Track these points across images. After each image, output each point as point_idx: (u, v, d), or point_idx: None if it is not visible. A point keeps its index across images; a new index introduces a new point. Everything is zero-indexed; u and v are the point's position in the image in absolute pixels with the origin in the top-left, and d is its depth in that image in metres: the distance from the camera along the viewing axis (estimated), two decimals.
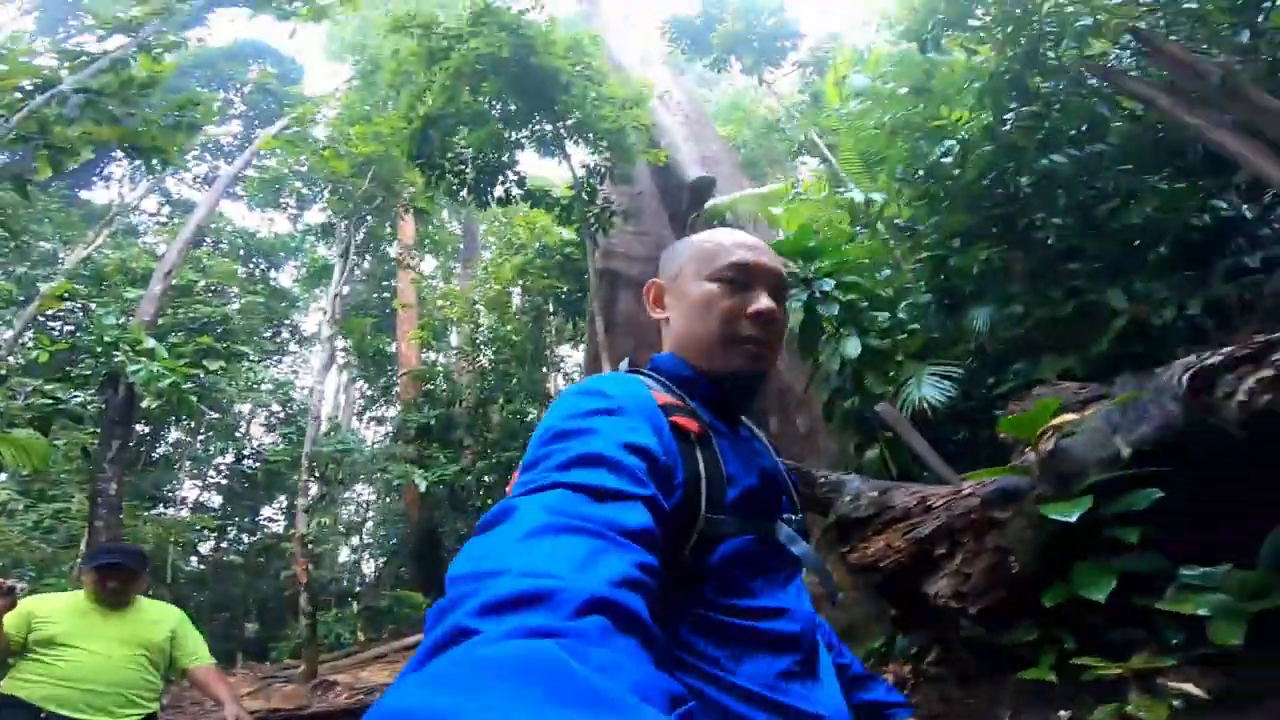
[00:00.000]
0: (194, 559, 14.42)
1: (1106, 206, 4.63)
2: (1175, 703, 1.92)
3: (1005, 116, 5.14)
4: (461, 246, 20.75)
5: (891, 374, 4.74)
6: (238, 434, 17.24)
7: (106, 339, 7.78)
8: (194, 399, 9.21)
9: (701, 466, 0.83)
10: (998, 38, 5.31)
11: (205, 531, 14.06)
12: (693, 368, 0.99)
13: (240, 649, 11.78)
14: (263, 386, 15.83)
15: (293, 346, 20.02)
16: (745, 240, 1.04)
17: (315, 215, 15.85)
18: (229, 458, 16.60)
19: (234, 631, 13.30)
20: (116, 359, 7.64)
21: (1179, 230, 4.20)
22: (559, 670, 0.39)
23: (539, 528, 0.56)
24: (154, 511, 12.90)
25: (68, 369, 8.17)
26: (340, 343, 17.51)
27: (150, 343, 8.22)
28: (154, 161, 5.00)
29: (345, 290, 18.06)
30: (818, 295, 4.90)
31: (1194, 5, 4.76)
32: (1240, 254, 3.97)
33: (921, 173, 5.49)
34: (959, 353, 4.88)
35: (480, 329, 15.30)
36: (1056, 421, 2.57)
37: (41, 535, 9.30)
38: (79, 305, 9.92)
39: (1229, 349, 2.21)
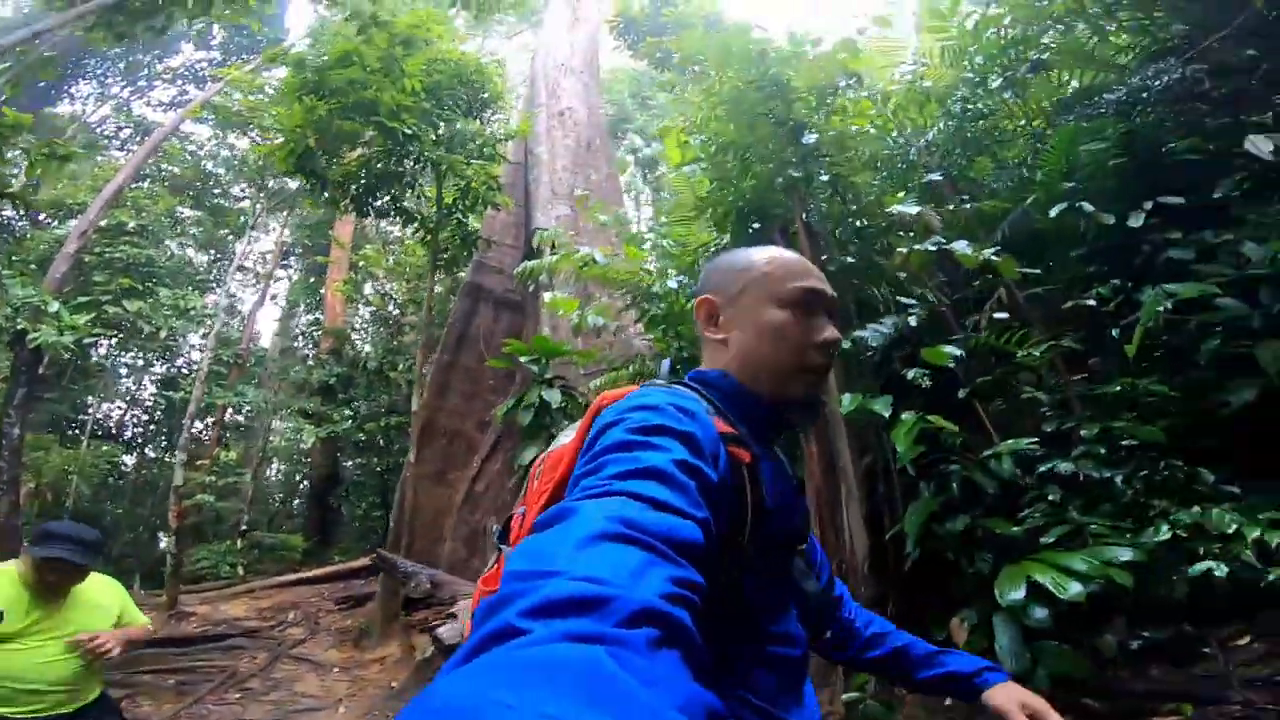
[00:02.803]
0: (110, 477, 16.23)
1: None
2: None
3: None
4: None
5: None
6: (168, 352, 18.81)
7: (13, 305, 9.32)
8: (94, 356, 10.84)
9: (749, 498, 0.91)
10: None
11: (110, 463, 15.67)
12: (751, 392, 1.05)
13: (141, 569, 13.69)
14: (196, 313, 17.21)
15: (236, 273, 21.37)
16: (809, 266, 1.12)
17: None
18: (159, 370, 18.31)
19: (144, 550, 15.27)
20: (20, 325, 9.20)
21: None
22: (602, 675, 0.41)
23: (596, 534, 0.59)
24: (70, 432, 14.67)
25: None
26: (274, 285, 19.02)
27: (54, 306, 9.75)
28: (16, 204, 6.41)
29: (285, 236, 19.50)
30: (549, 387, 6.50)
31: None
32: None
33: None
34: None
35: (396, 292, 16.88)
36: None
37: None
38: None
39: None
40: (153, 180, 16.66)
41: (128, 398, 18.81)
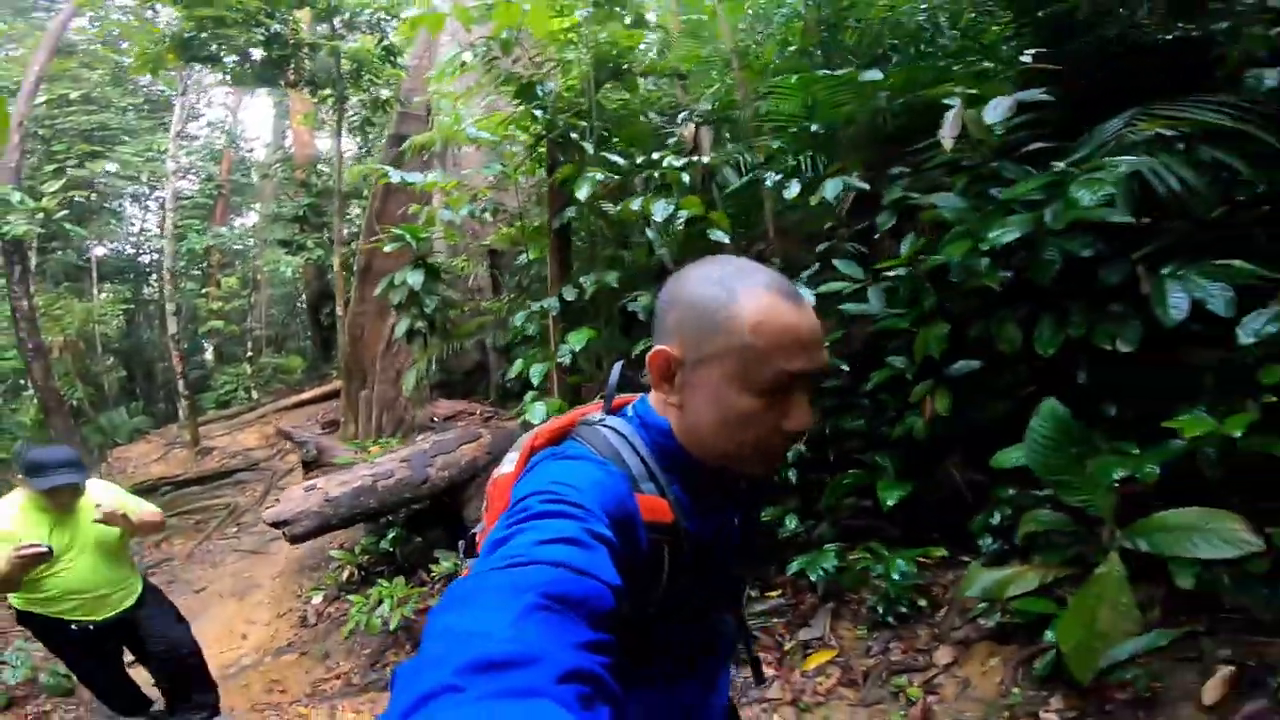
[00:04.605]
0: (132, 313, 18.03)
1: None
2: None
3: None
4: None
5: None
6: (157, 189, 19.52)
7: None
8: (72, 225, 11.87)
9: (665, 575, 0.93)
10: None
11: (126, 300, 17.02)
12: (698, 459, 0.98)
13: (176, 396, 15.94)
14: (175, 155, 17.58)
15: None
16: (807, 334, 0.90)
17: None
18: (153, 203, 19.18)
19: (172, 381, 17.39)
20: None
21: None
22: None
23: (517, 602, 0.61)
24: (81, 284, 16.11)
25: None
26: None
27: (15, 196, 10.64)
28: None
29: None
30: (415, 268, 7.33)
31: None
32: None
33: None
34: None
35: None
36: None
37: None
38: None
39: None
40: (89, 44, 16.04)
41: (135, 227, 20.05)
